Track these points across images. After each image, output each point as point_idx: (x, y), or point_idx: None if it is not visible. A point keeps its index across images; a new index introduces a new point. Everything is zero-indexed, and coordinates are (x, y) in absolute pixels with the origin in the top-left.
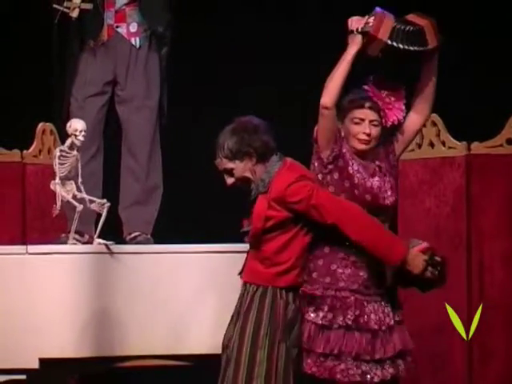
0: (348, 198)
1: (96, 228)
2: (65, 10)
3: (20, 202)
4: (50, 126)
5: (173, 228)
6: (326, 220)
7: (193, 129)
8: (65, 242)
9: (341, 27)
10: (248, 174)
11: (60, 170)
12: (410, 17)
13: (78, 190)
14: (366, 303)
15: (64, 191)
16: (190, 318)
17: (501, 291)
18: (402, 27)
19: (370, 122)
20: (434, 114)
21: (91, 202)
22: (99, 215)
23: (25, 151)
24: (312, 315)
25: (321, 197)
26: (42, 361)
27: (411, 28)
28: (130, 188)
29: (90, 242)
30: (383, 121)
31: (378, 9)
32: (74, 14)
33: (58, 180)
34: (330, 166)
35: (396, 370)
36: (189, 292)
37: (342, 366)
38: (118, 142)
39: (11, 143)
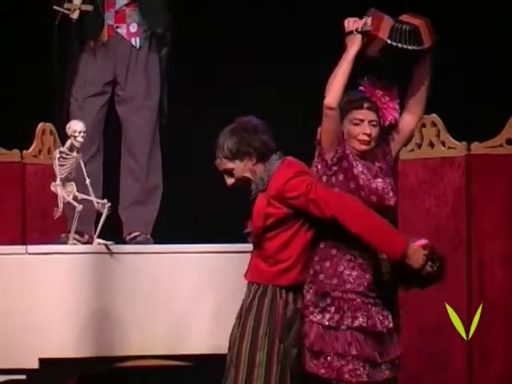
0: None
1: (96, 228)
2: (65, 11)
3: (20, 202)
4: (49, 126)
5: (173, 228)
6: (325, 214)
7: (193, 129)
8: (65, 242)
9: (341, 27)
10: (248, 174)
11: (60, 172)
12: (404, 17)
13: (85, 191)
14: (370, 305)
15: (65, 192)
16: (189, 318)
17: (501, 291)
18: (400, 26)
19: (369, 122)
20: (433, 115)
21: (97, 202)
22: (99, 215)
23: (25, 151)
24: (318, 316)
25: (319, 191)
26: (42, 361)
27: (408, 27)
28: (130, 188)
29: (89, 242)
30: (381, 121)
31: (373, 9)
32: (75, 15)
33: (58, 181)
34: (335, 168)
35: (392, 373)
36: (189, 292)
37: (350, 367)
38: (118, 142)
39: (11, 143)
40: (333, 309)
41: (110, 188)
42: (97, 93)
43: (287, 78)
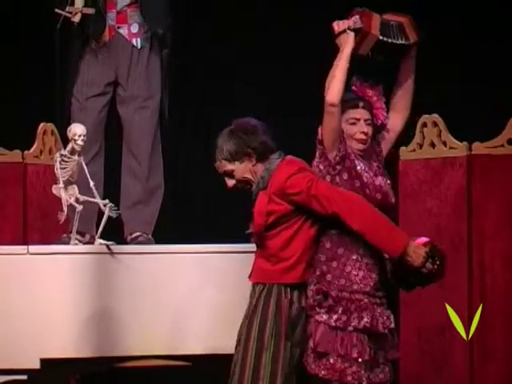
0: None
1: (97, 228)
2: (67, 14)
3: (21, 203)
4: (51, 126)
5: (173, 228)
6: (327, 210)
7: (193, 129)
8: (66, 243)
9: (329, 30)
10: (248, 175)
11: (62, 175)
12: (388, 15)
13: (89, 193)
14: (376, 306)
15: (67, 195)
16: (190, 319)
17: (501, 291)
18: (388, 23)
19: (365, 121)
20: (435, 115)
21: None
22: (100, 215)
23: (26, 151)
24: (324, 316)
25: (321, 187)
26: (43, 361)
27: (395, 23)
28: (131, 188)
29: (91, 242)
30: (374, 119)
31: (358, 8)
32: (76, 18)
33: (61, 184)
34: (339, 167)
35: (392, 373)
36: (189, 292)
37: (354, 369)
38: (119, 143)
39: (12, 143)
40: (340, 309)
41: (111, 188)
42: (98, 93)
43: (287, 77)
